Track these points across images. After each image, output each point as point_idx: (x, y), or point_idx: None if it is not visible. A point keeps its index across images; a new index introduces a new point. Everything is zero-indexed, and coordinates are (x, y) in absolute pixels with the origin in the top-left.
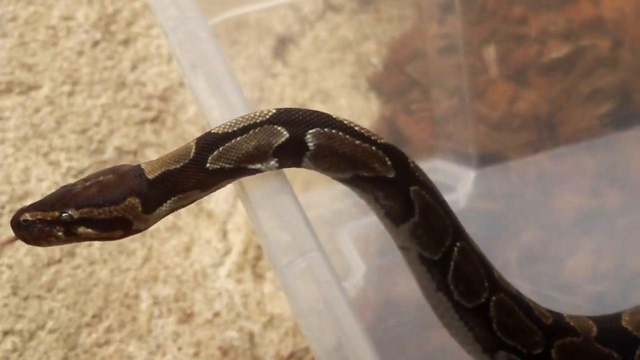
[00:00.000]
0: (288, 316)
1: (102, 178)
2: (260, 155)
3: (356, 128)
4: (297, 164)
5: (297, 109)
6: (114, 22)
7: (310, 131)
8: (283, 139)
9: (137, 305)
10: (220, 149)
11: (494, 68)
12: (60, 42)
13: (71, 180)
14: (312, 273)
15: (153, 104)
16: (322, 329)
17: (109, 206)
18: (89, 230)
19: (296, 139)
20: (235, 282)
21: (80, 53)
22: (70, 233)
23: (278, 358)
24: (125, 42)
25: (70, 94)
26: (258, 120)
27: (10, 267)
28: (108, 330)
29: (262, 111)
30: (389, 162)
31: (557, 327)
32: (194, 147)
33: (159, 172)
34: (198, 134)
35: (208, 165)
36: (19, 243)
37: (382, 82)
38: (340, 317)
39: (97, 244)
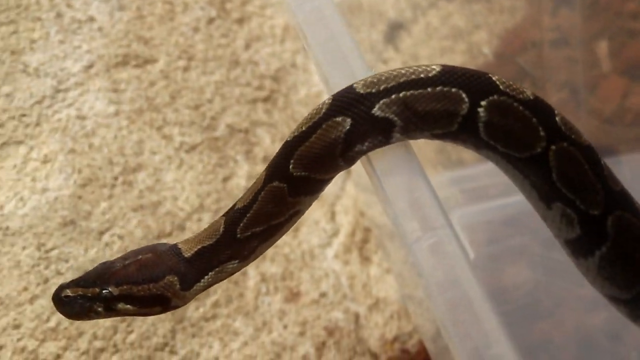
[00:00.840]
0: (394, 300)
1: (140, 257)
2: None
3: None
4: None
5: None
6: (229, 1)
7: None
8: None
9: (244, 282)
10: (245, 220)
11: (606, 62)
12: (177, 18)
13: (183, 156)
14: (442, 250)
15: (265, 83)
16: (451, 306)
17: (148, 284)
18: (128, 306)
19: None
20: (342, 264)
21: (196, 29)
22: (109, 309)
23: (382, 341)
24: (240, 21)
25: (185, 69)
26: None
27: (121, 237)
28: (215, 305)
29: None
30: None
31: (623, 198)
32: (222, 222)
33: (195, 249)
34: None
35: (239, 235)
36: None
37: (492, 73)
38: (471, 295)
39: (209, 216)
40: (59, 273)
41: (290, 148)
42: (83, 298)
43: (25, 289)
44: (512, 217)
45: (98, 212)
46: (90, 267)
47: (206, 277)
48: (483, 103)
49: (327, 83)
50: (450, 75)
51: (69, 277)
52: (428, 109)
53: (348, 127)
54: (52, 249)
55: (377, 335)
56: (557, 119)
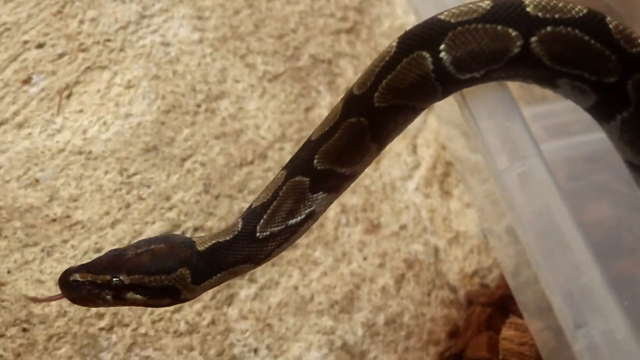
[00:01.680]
0: (473, 234)
1: (153, 246)
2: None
3: None
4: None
5: None
6: None
7: None
8: None
9: (325, 213)
10: (265, 216)
11: None
12: None
13: (266, 85)
14: (532, 179)
15: (349, 14)
16: (541, 235)
17: (160, 275)
18: (138, 296)
19: None
20: (423, 197)
21: None
22: (118, 297)
23: (462, 275)
24: None
25: None
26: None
27: (203, 164)
28: None
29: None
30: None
31: None
32: (240, 221)
33: (209, 244)
34: None
35: (258, 234)
36: None
37: None
38: (561, 224)
39: (291, 146)
40: (140, 198)
41: (315, 145)
42: (92, 284)
43: (107, 213)
44: (594, 153)
45: (180, 138)
46: (171, 194)
47: (219, 274)
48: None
49: (416, 12)
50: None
51: (151, 202)
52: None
53: None
54: (134, 174)
55: (456, 269)
56: None
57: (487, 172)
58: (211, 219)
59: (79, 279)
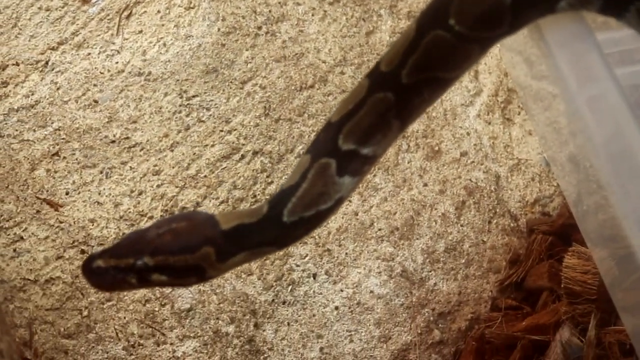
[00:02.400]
0: (535, 162)
1: (174, 225)
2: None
3: None
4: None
5: None
6: None
7: None
8: None
9: None
10: (293, 200)
11: None
12: None
13: (327, 8)
14: (606, 101)
15: None
16: (613, 158)
17: (184, 254)
18: (163, 277)
19: None
20: (484, 124)
21: None
22: (143, 280)
23: (522, 203)
24: None
25: None
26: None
27: (263, 87)
28: None
29: None
30: None
31: None
32: (267, 204)
33: (233, 224)
34: None
35: (285, 219)
36: None
37: None
38: (634, 147)
39: (352, 70)
40: (200, 121)
41: (338, 125)
42: (116, 269)
43: (166, 135)
44: None
45: (241, 61)
46: (231, 117)
47: (242, 253)
48: None
49: None
50: None
51: (210, 125)
52: None
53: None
54: (193, 96)
55: (517, 197)
56: None
57: (550, 99)
58: (271, 142)
59: (102, 265)
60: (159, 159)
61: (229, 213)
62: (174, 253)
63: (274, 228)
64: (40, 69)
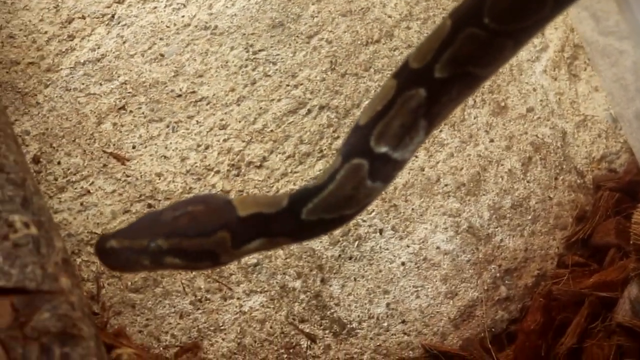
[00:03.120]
0: (601, 118)
1: (191, 208)
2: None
3: None
4: None
5: None
6: None
7: None
8: None
9: None
10: (316, 200)
11: None
12: None
13: None
14: None
15: None
16: None
17: (199, 238)
18: (177, 260)
19: None
20: (551, 79)
21: None
22: (156, 262)
23: (589, 159)
24: None
25: None
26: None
27: (329, 42)
28: None
29: None
30: None
31: None
32: (287, 198)
33: (251, 212)
34: None
35: (304, 216)
36: None
37: None
38: None
39: (418, 25)
40: (266, 75)
41: (367, 127)
42: (129, 250)
43: (232, 89)
44: None
45: (307, 15)
46: (297, 71)
47: (257, 241)
48: None
49: None
50: None
51: (277, 79)
52: None
53: None
54: (260, 50)
55: (583, 154)
56: None
57: (617, 55)
58: (337, 97)
59: (115, 245)
60: (226, 113)
61: (247, 199)
62: (189, 237)
63: (291, 223)
64: (107, 22)
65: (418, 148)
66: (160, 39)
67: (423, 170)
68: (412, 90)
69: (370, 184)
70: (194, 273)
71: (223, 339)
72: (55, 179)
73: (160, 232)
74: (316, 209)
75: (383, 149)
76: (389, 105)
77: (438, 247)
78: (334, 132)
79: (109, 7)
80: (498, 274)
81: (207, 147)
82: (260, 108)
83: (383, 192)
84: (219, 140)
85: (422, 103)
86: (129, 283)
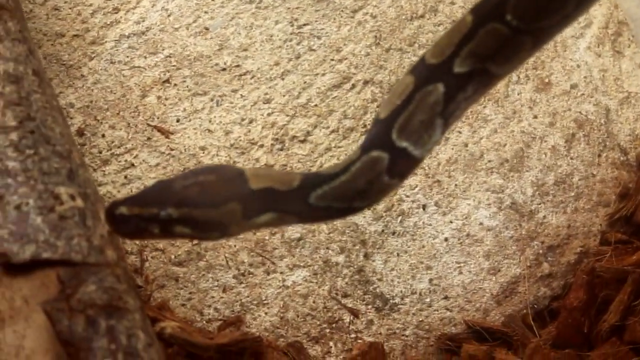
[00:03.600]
0: None
1: (202, 178)
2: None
3: None
4: None
5: None
6: None
7: None
8: None
9: None
10: (327, 187)
11: None
12: None
13: None
14: None
15: None
16: None
17: (210, 208)
18: (186, 229)
19: None
20: (594, 56)
21: None
22: (166, 231)
23: (632, 137)
24: None
25: None
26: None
27: (374, 16)
28: None
29: None
30: None
31: None
32: (299, 177)
33: (263, 186)
34: None
35: (312, 201)
36: None
37: None
38: None
39: (453, 8)
40: (310, 49)
41: (387, 121)
42: (139, 218)
43: (277, 63)
44: None
45: None
46: (341, 46)
47: (267, 215)
48: None
49: None
50: None
51: (321, 54)
52: None
53: None
54: (304, 24)
55: (626, 131)
56: None
57: None
58: (381, 72)
59: (125, 212)
60: (270, 87)
61: (260, 172)
62: (199, 206)
63: (299, 204)
64: None
65: (434, 148)
66: (205, 12)
67: (467, 146)
68: (430, 85)
69: (387, 180)
70: (237, 246)
71: (266, 313)
72: (100, 152)
73: (170, 200)
74: (325, 196)
75: (404, 144)
76: (408, 100)
77: (481, 223)
78: (378, 107)
79: None
80: (541, 251)
81: (251, 121)
82: (305, 82)
83: (426, 168)
84: (263, 115)
85: (439, 99)
86: (173, 256)
